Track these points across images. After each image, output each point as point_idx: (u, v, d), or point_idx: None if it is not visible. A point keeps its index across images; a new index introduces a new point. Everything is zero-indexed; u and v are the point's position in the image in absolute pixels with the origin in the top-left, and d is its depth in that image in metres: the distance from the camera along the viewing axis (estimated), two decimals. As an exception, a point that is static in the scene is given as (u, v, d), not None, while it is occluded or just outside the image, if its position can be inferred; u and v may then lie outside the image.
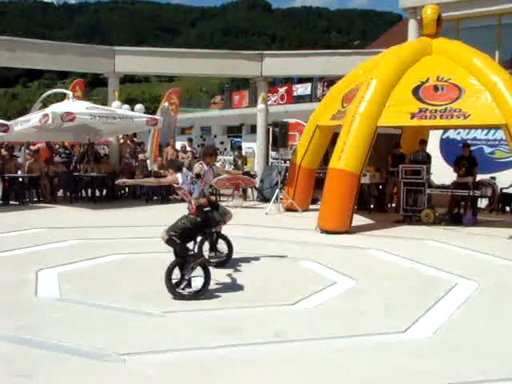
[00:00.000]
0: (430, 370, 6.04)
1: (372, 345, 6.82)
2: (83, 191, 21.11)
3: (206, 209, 9.11)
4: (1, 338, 6.85)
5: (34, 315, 7.76)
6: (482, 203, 17.87)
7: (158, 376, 5.82)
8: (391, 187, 18.02)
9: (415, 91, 15.09)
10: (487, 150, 19.87)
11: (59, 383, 5.69)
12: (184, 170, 9.93)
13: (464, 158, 16.73)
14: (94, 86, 33.07)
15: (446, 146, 19.66)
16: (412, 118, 14.85)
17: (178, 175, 9.45)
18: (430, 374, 5.94)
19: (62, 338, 6.78)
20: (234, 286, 9.22)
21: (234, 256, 10.34)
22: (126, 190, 21.57)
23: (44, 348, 6.52)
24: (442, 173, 17.13)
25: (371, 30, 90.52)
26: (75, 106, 19.55)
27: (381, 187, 18.38)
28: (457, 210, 16.32)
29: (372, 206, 18.38)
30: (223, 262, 10.31)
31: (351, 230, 14.48)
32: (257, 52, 24.12)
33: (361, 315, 7.91)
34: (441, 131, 19.45)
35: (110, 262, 10.95)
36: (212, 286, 9.11)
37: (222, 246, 10.43)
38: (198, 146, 29.56)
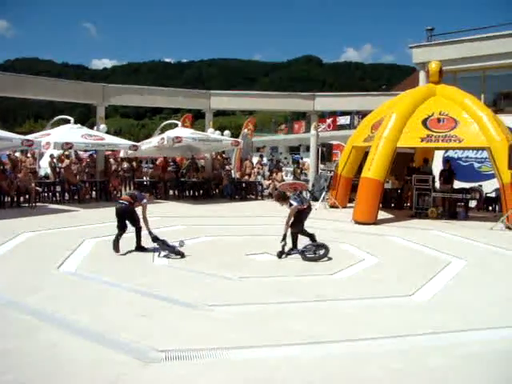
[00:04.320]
0: (429, 322, 5.98)
1: (388, 304, 6.76)
2: (187, 192, 21.38)
3: None
4: (128, 290, 7.08)
5: (151, 276, 7.95)
6: (472, 204, 17.45)
7: (235, 321, 5.92)
8: (406, 191, 17.74)
9: (424, 122, 14.89)
10: (476, 165, 19.52)
11: (168, 321, 5.86)
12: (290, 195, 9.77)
13: (445, 170, 16.55)
14: (197, 118, 33.40)
15: (446, 162, 19.29)
16: (421, 141, 14.70)
17: (292, 201, 9.33)
18: (429, 324, 5.88)
19: (170, 292, 6.95)
20: (289, 261, 9.23)
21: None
22: (217, 190, 21.74)
23: (157, 298, 6.69)
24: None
25: (394, 78, 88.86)
26: (182, 132, 19.88)
27: (399, 191, 18.11)
28: (453, 208, 15.94)
29: (392, 204, 18.08)
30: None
31: (377, 222, 14.29)
32: (310, 93, 24.01)
33: (380, 283, 7.82)
34: (443, 151, 19.08)
35: (204, 241, 11.08)
36: (276, 260, 9.17)
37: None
38: (269, 160, 29.54)
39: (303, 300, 6.78)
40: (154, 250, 9.54)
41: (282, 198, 9.56)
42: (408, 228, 13.50)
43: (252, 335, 5.45)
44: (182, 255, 9.24)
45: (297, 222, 9.41)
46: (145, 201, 9.65)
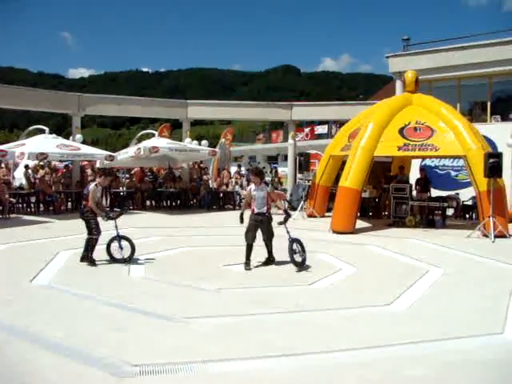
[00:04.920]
0: (407, 331, 5.97)
1: (366, 313, 6.74)
2: (164, 202, 21.22)
3: None
4: (103, 302, 6.96)
5: (127, 288, 7.83)
6: (450, 212, 17.58)
7: (212, 333, 5.83)
8: (384, 200, 17.83)
9: (400, 131, 15.00)
10: (453, 173, 19.70)
11: (143, 335, 5.75)
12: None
13: (421, 179, 16.66)
14: (175, 128, 33.24)
15: (421, 170, 19.43)
16: (398, 150, 14.77)
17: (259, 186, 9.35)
18: (407, 334, 5.86)
19: (145, 304, 6.84)
20: (265, 272, 9.18)
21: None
22: (194, 201, 21.62)
23: (132, 311, 6.58)
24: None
25: (371, 87, 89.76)
26: (159, 142, 19.76)
27: (376, 200, 18.20)
28: (431, 217, 16.07)
29: (370, 213, 18.16)
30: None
31: (355, 231, 14.29)
32: (288, 103, 24.13)
33: (359, 292, 7.81)
34: (420, 160, 19.23)
35: (180, 252, 10.99)
36: (253, 271, 9.12)
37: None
38: (246, 170, 29.47)
39: (281, 311, 6.72)
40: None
41: (259, 174, 9.48)
42: (386, 237, 13.53)
43: (229, 348, 5.38)
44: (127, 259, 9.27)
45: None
46: (90, 187, 9.31)
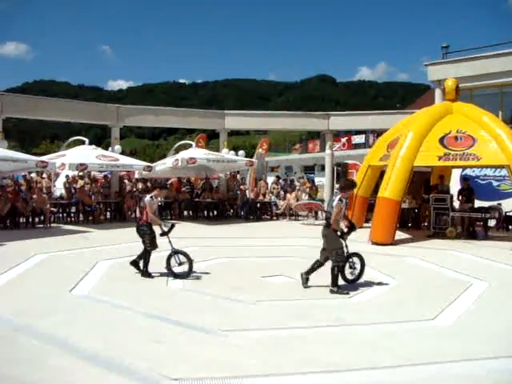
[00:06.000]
0: (453, 348, 5.76)
1: (408, 329, 6.54)
2: (201, 212, 21.26)
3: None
4: (142, 314, 6.95)
5: (165, 299, 7.81)
6: (492, 223, 17.13)
7: (250, 347, 5.73)
8: (424, 210, 17.50)
9: (441, 140, 14.72)
10: (495, 183, 19.25)
11: (183, 348, 5.68)
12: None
13: (465, 189, 16.30)
14: (211, 138, 33.48)
15: (464, 180, 19.04)
16: (439, 159, 14.51)
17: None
18: (453, 351, 5.66)
19: (183, 316, 6.79)
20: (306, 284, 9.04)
21: (306, 260, 10.07)
22: (231, 211, 21.63)
23: (170, 323, 6.54)
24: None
25: (408, 96, 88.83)
26: (197, 153, 19.87)
27: (416, 210, 17.88)
28: (472, 228, 15.67)
29: (409, 224, 17.83)
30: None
31: (394, 243, 14.06)
32: (325, 112, 23.99)
33: (400, 306, 7.61)
34: (460, 169, 18.84)
35: (218, 263, 10.93)
36: (292, 283, 8.99)
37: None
38: (284, 180, 29.36)
39: (321, 325, 6.59)
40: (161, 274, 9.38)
41: (351, 186, 8.95)
42: (426, 248, 13.24)
43: (268, 363, 5.27)
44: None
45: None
46: (146, 199, 9.30)
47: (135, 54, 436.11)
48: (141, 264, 9.36)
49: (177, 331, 6.25)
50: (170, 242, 9.25)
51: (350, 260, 8.72)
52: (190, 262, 9.16)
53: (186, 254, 9.24)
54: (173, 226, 9.51)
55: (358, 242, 14.27)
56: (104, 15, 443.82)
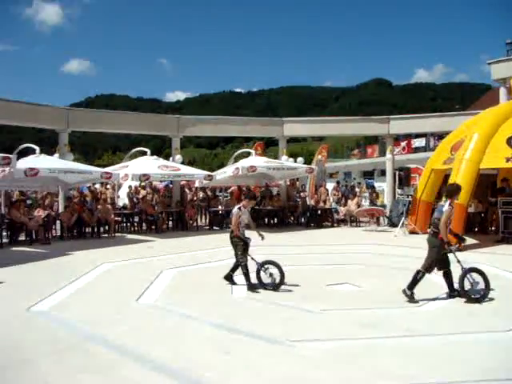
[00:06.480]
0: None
1: (484, 340, 6.22)
2: (262, 220, 21.20)
3: None
4: (208, 323, 6.92)
5: (230, 308, 7.78)
6: None
7: (319, 358, 5.59)
8: (491, 214, 16.83)
9: (508, 141, 14.12)
10: None
11: (251, 359, 5.60)
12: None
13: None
14: (268, 146, 33.34)
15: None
16: (507, 161, 13.85)
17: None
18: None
19: (250, 326, 6.72)
20: (373, 291, 8.81)
21: (372, 267, 9.87)
22: (292, 218, 21.49)
23: (237, 333, 6.48)
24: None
25: (467, 97, 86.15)
26: (256, 161, 19.88)
27: (482, 214, 17.22)
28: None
29: (476, 229, 17.19)
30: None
31: (461, 248, 13.53)
32: (385, 117, 23.51)
33: (473, 315, 7.26)
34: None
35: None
36: (357, 291, 8.77)
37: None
38: (343, 186, 28.94)
39: (391, 335, 6.36)
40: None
41: (457, 190, 8.53)
42: (496, 254, 12.70)
43: (338, 375, 5.11)
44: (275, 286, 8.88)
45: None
46: (234, 210, 9.30)
47: (192, 65, 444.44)
48: (236, 278, 9.28)
49: (244, 341, 6.18)
50: (252, 258, 9.14)
51: (469, 275, 8.09)
52: (282, 273, 8.92)
53: (277, 265, 9.05)
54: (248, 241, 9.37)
55: (422, 248, 13.85)
56: (161, 30, 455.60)
